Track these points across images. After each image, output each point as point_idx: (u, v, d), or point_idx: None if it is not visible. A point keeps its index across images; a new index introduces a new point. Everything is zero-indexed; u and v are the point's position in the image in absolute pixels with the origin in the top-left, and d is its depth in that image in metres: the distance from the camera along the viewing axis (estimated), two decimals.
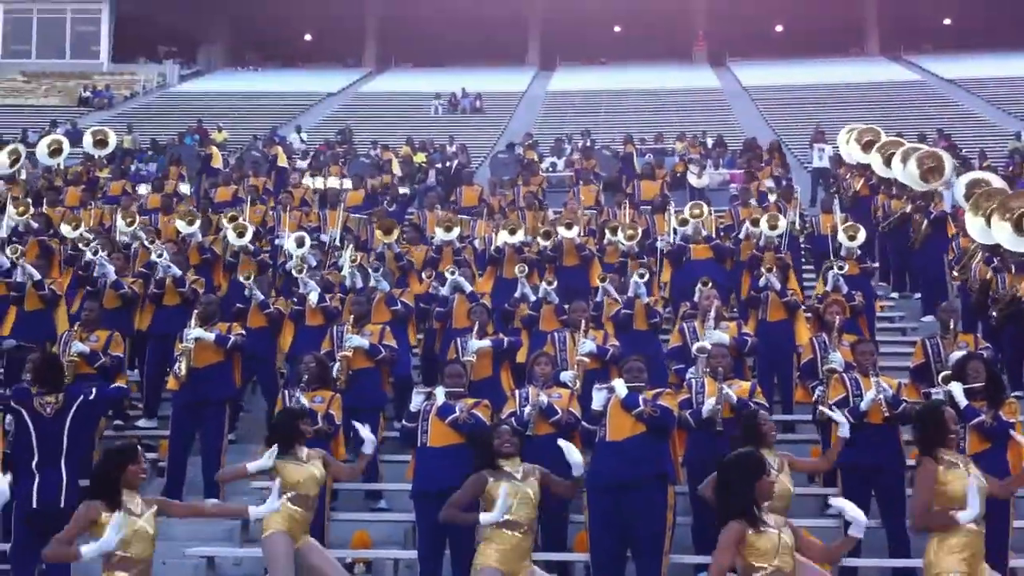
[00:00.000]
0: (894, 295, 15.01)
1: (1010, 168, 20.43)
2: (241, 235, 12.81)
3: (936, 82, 40.05)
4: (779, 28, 49.80)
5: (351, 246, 13.17)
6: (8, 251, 11.70)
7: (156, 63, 47.48)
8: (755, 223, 12.81)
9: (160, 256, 11.49)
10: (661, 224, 14.42)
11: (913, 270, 14.65)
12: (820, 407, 8.68)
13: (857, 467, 8.18)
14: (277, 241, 14.28)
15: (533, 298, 11.10)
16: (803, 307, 11.33)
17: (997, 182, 13.11)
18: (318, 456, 7.41)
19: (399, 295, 11.33)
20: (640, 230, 13.32)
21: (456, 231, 13.46)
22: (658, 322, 11.04)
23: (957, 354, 9.00)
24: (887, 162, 15.49)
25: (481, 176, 22.14)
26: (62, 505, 7.40)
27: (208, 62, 50.54)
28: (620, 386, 7.71)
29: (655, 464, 7.61)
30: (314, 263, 12.62)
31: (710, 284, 10.49)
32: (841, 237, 12.39)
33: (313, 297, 11.01)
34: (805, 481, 9.56)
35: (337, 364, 9.57)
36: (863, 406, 8.20)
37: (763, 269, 11.28)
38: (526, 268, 11.66)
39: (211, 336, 9.82)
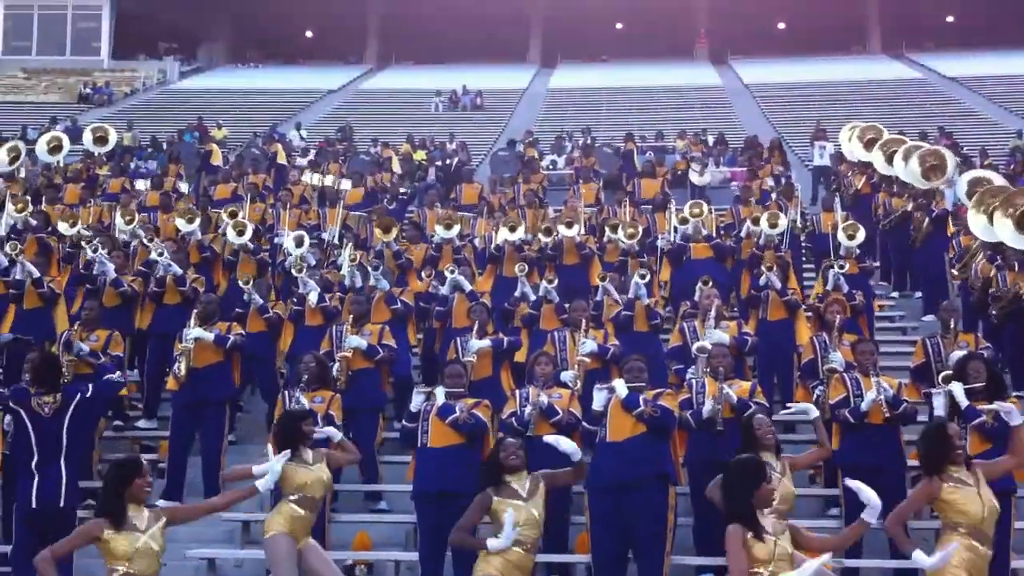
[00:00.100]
0: (894, 294, 14.99)
1: (1011, 166, 20.42)
2: (241, 233, 12.76)
3: (938, 80, 40.02)
4: (781, 26, 49.75)
5: (350, 245, 13.15)
6: (7, 247, 11.67)
7: (156, 60, 47.47)
8: (756, 222, 12.78)
9: (161, 255, 11.47)
10: (662, 223, 14.39)
11: (914, 269, 14.62)
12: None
13: (858, 467, 8.12)
14: (276, 239, 14.26)
15: (533, 297, 11.08)
16: (803, 306, 11.31)
17: (998, 180, 13.07)
18: (322, 457, 7.38)
19: (399, 294, 11.31)
20: (641, 229, 13.29)
21: (456, 229, 13.43)
22: (658, 323, 11.02)
23: (958, 354, 8.97)
24: (889, 160, 15.46)
25: (481, 174, 22.13)
26: (62, 504, 7.41)
27: (209, 59, 50.52)
28: (620, 386, 7.70)
29: (656, 464, 7.59)
30: (313, 262, 12.59)
31: (711, 283, 10.45)
32: (840, 236, 12.36)
33: (312, 297, 10.98)
34: (806, 482, 9.56)
35: (336, 364, 9.55)
36: (864, 406, 8.18)
37: (763, 268, 11.25)
38: (526, 267, 11.64)
39: (210, 336, 9.81)
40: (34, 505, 7.42)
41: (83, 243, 12.32)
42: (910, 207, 14.31)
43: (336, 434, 7.77)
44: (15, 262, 11.42)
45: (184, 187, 19.13)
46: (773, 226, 12.57)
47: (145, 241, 12.58)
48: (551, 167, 23.51)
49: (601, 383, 7.93)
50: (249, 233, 12.87)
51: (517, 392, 8.60)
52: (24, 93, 41.41)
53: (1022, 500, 8.11)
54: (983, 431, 7.80)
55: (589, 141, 25.52)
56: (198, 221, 13.34)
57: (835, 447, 8.43)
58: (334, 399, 8.73)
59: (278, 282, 13.02)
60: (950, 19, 48.37)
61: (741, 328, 9.96)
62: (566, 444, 6.93)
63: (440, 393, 8.00)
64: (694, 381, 8.44)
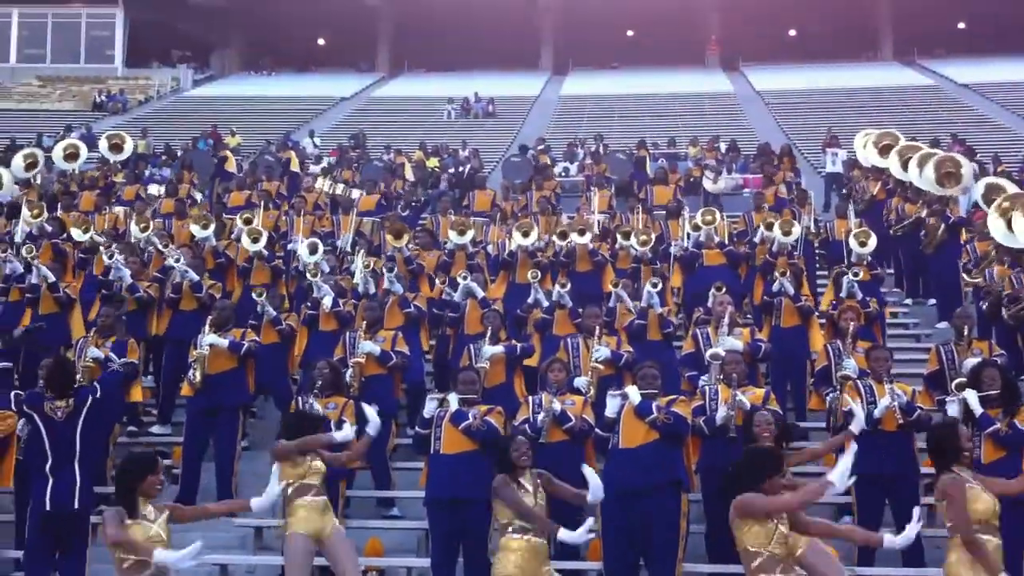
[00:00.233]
0: (908, 301, 14.94)
1: None
2: (255, 240, 12.81)
3: (950, 86, 39.95)
4: (792, 32, 49.73)
5: (362, 251, 13.18)
6: (24, 251, 11.74)
7: (170, 68, 47.73)
8: (769, 227, 12.77)
9: (177, 261, 11.51)
10: (675, 230, 14.37)
11: (928, 276, 14.57)
12: (840, 398, 8.62)
13: (871, 475, 8.13)
14: (290, 246, 14.30)
15: (546, 303, 11.08)
16: (817, 313, 11.29)
17: (1011, 188, 13.04)
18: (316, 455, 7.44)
19: (412, 299, 11.34)
20: (653, 236, 13.28)
21: (470, 234, 13.46)
22: (671, 332, 11.01)
23: (971, 361, 8.94)
24: (904, 166, 15.43)
25: (494, 181, 22.13)
26: (76, 507, 7.45)
27: (222, 67, 50.72)
28: (634, 393, 7.71)
29: (668, 471, 7.59)
30: (328, 269, 12.63)
31: (724, 290, 10.43)
32: (852, 243, 12.34)
33: (327, 301, 11.02)
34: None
35: (350, 370, 9.57)
36: (877, 413, 8.16)
37: (776, 274, 11.24)
38: (539, 273, 11.64)
39: (225, 342, 9.84)
40: (48, 508, 7.47)
41: (101, 248, 12.38)
42: (924, 213, 14.27)
43: (373, 429, 7.61)
44: (31, 267, 11.49)
45: (198, 196, 19.19)
46: (787, 234, 12.54)
47: (160, 247, 12.63)
48: (563, 174, 23.51)
49: (614, 390, 7.93)
50: (264, 240, 12.91)
51: (530, 399, 8.61)
52: (39, 101, 41.63)
53: None
54: (997, 439, 7.78)
55: (601, 148, 25.52)
56: (213, 227, 13.39)
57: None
58: (347, 405, 8.74)
59: (291, 288, 13.07)
60: (962, 25, 48.29)
61: (754, 334, 9.95)
62: (595, 481, 6.75)
63: (453, 399, 8.00)
64: (707, 388, 8.43)
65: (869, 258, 12.26)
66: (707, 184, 21.14)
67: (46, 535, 7.48)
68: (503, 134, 33.80)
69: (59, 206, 15.81)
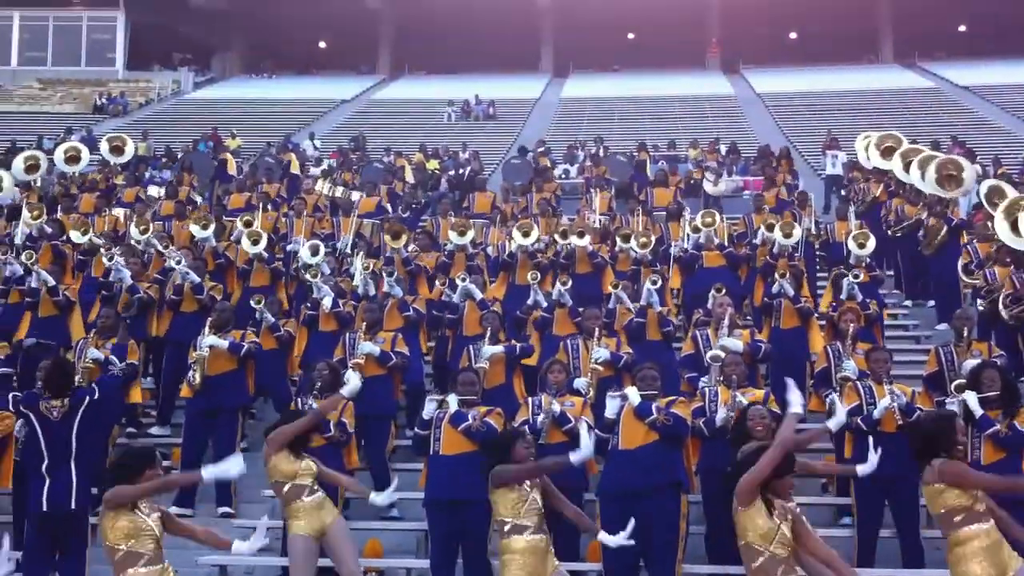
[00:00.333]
0: (907, 303, 14.94)
1: None
2: (256, 243, 12.83)
3: (950, 89, 39.97)
4: (793, 35, 49.79)
5: (362, 253, 13.18)
6: (23, 257, 11.75)
7: (171, 70, 47.80)
8: (770, 228, 12.77)
9: (178, 263, 11.51)
10: (676, 232, 14.38)
11: (928, 277, 14.55)
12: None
13: (871, 476, 8.13)
14: (290, 247, 14.30)
15: (545, 304, 11.09)
16: (816, 314, 11.29)
17: (1011, 192, 13.03)
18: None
19: (411, 302, 11.34)
20: (653, 239, 13.29)
21: (470, 235, 13.47)
22: (671, 331, 11.01)
23: (971, 362, 8.93)
24: (907, 168, 15.43)
25: (494, 183, 22.14)
26: (72, 507, 7.43)
27: (223, 69, 50.81)
28: (633, 394, 7.71)
29: (668, 472, 7.59)
30: (328, 271, 12.64)
31: (724, 291, 10.44)
32: (851, 245, 12.35)
33: (327, 302, 11.03)
34: (818, 491, 9.54)
35: (349, 371, 9.54)
36: (876, 414, 8.17)
37: (776, 275, 11.24)
38: (538, 275, 11.64)
39: (225, 343, 9.85)
40: (44, 508, 7.46)
41: (101, 249, 12.38)
42: (924, 215, 14.27)
43: (356, 385, 7.71)
44: (31, 271, 11.49)
45: (198, 198, 19.20)
46: (788, 236, 12.55)
47: (160, 249, 12.64)
48: (564, 176, 23.52)
49: (614, 391, 7.93)
50: (264, 242, 12.93)
51: (530, 400, 8.60)
52: (39, 103, 41.69)
53: None
54: (997, 440, 7.77)
55: (601, 151, 25.52)
56: (212, 227, 13.39)
57: (847, 455, 8.42)
58: (346, 406, 8.74)
59: (291, 290, 13.07)
60: (962, 28, 48.36)
61: (754, 336, 9.95)
62: (585, 440, 6.78)
63: (453, 400, 8.00)
64: (707, 389, 8.44)
65: (868, 260, 12.27)
66: (707, 186, 21.15)
67: (44, 536, 7.47)
68: (503, 136, 33.81)
69: (59, 208, 15.82)
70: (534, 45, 49.56)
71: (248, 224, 13.77)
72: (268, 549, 8.81)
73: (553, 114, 38.34)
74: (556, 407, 8.24)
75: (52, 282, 11.35)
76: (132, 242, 13.79)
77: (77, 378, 8.88)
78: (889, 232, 14.89)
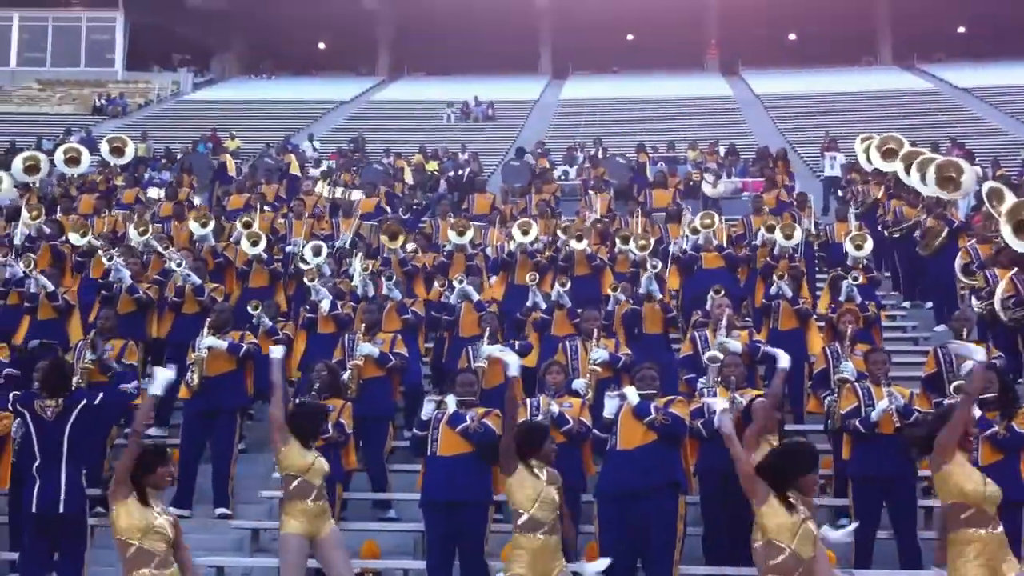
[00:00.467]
0: (906, 304, 14.94)
1: (1023, 177, 20.36)
2: (255, 244, 12.84)
3: (949, 91, 39.99)
4: (792, 37, 49.80)
5: (360, 254, 13.19)
6: (22, 263, 11.73)
7: (170, 71, 47.82)
8: (770, 230, 12.78)
9: (179, 265, 11.51)
10: (675, 233, 14.39)
11: (925, 279, 14.55)
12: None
13: (869, 478, 8.15)
14: (289, 248, 14.30)
15: (544, 306, 11.09)
16: (815, 316, 11.29)
17: (1010, 195, 13.02)
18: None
19: (410, 304, 11.35)
20: (652, 240, 13.30)
21: (469, 234, 13.47)
22: (673, 317, 11.03)
23: (969, 364, 8.93)
24: (908, 170, 15.44)
25: (493, 184, 22.15)
26: (60, 510, 7.36)
27: (222, 70, 50.82)
28: (632, 394, 7.71)
29: (666, 472, 7.59)
30: (328, 272, 12.65)
31: (722, 292, 10.44)
32: (848, 246, 12.36)
33: (325, 305, 11.03)
34: (816, 492, 9.52)
35: (348, 373, 9.57)
36: (875, 416, 8.17)
37: (775, 277, 11.25)
38: (537, 276, 11.65)
39: (224, 344, 9.84)
40: (34, 509, 7.42)
41: (100, 250, 12.37)
42: (923, 217, 14.27)
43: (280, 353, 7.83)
44: (29, 275, 11.48)
45: (197, 199, 19.20)
46: (788, 237, 12.56)
47: (160, 250, 12.65)
48: (563, 178, 23.53)
49: (612, 390, 7.94)
50: (263, 244, 12.93)
51: (528, 401, 8.60)
52: (39, 104, 41.68)
53: None
54: (995, 442, 7.76)
55: (600, 152, 25.53)
56: (212, 224, 13.40)
57: (846, 457, 8.42)
58: (345, 407, 8.75)
59: (290, 291, 13.07)
60: (961, 30, 48.38)
61: (752, 337, 9.95)
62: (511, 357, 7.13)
63: (451, 401, 7.99)
64: (706, 390, 8.43)
65: (865, 261, 12.27)
66: (706, 188, 21.14)
67: (42, 537, 7.43)
68: (503, 138, 33.82)
69: (58, 209, 15.82)
70: (533, 46, 49.58)
71: (248, 225, 13.77)
72: (266, 551, 8.86)
73: (552, 115, 38.36)
74: (555, 408, 8.24)
75: (51, 287, 11.33)
76: (132, 243, 13.81)
77: (76, 379, 8.87)
78: (887, 233, 14.89)
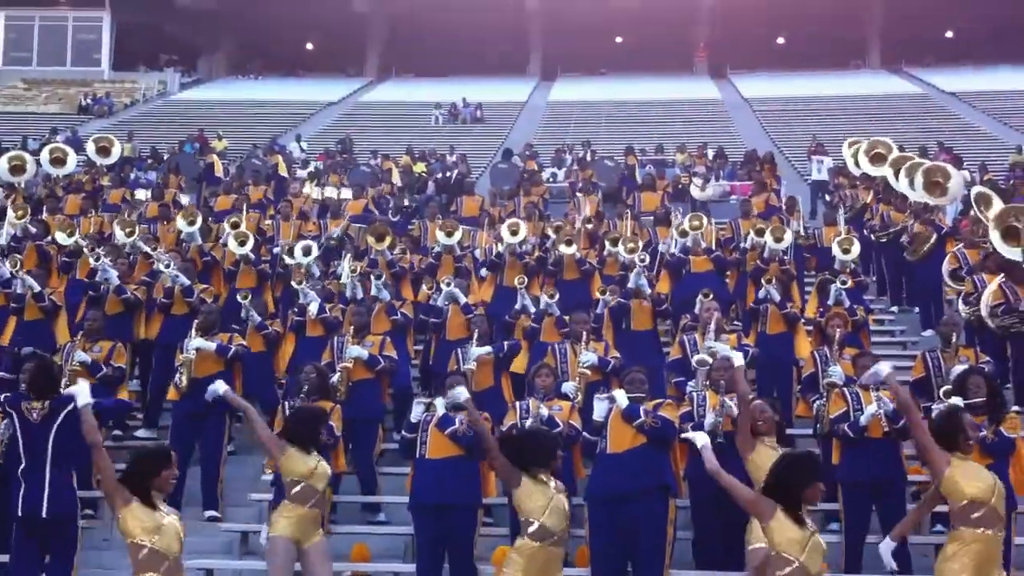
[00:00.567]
0: (894, 309, 14.97)
1: (1011, 181, 20.45)
2: (242, 244, 12.81)
3: (937, 95, 40.13)
4: (780, 40, 49.92)
5: (349, 256, 13.16)
6: (8, 264, 11.67)
7: (157, 71, 47.66)
8: (759, 233, 12.80)
9: (168, 267, 11.46)
10: (664, 236, 14.41)
11: (912, 283, 14.58)
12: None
13: (858, 482, 8.16)
14: (276, 249, 14.27)
15: (533, 309, 11.09)
16: (804, 320, 11.31)
17: (998, 200, 13.06)
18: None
19: (399, 306, 11.33)
20: (641, 243, 13.31)
21: (458, 235, 13.43)
22: (665, 310, 11.07)
23: (958, 368, 8.96)
24: (896, 174, 15.49)
25: (481, 186, 22.16)
26: (44, 514, 7.31)
27: (209, 71, 50.67)
28: (621, 396, 7.71)
29: (656, 476, 7.59)
30: (318, 273, 12.62)
31: (711, 296, 10.45)
32: (835, 250, 12.39)
33: (313, 308, 10.99)
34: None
35: (337, 375, 9.54)
36: (863, 421, 8.18)
37: (763, 281, 11.27)
38: (525, 279, 11.64)
39: (212, 345, 9.81)
40: (20, 512, 7.37)
41: (85, 249, 12.32)
42: (911, 222, 14.31)
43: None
44: (15, 276, 11.41)
45: (184, 199, 19.13)
46: (778, 240, 12.57)
47: (149, 250, 12.60)
48: (551, 180, 23.52)
49: (602, 393, 7.93)
50: (251, 243, 12.90)
51: (517, 404, 8.59)
52: (24, 104, 41.52)
53: (1022, 516, 8.09)
54: (983, 446, 7.78)
55: (589, 154, 25.53)
56: (199, 222, 13.36)
57: (835, 461, 8.43)
58: (334, 410, 8.72)
59: (277, 292, 13.03)
60: (949, 34, 48.53)
61: (741, 340, 9.96)
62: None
63: (440, 404, 7.98)
64: (695, 394, 8.43)
65: (852, 265, 12.31)
66: (694, 191, 21.13)
67: (29, 540, 7.39)
68: (491, 140, 33.80)
69: (44, 209, 15.74)
70: (522, 48, 49.56)
71: (235, 226, 13.73)
72: (255, 554, 8.83)
73: (541, 117, 38.37)
74: (544, 411, 8.23)
75: (37, 288, 11.26)
76: (118, 243, 13.75)
77: (64, 381, 8.81)
78: (873, 237, 14.93)
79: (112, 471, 6.07)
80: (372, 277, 11.58)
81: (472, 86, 40.33)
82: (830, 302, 11.02)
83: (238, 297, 11.13)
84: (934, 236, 13.74)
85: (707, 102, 40.18)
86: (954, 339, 9.75)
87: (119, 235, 13.52)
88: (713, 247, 13.12)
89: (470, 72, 44.45)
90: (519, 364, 10.24)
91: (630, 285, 11.00)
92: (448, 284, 11.28)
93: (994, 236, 11.62)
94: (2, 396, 7.92)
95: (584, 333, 9.76)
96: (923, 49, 47.21)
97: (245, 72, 50.41)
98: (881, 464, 8.17)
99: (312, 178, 22.04)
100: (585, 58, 47.70)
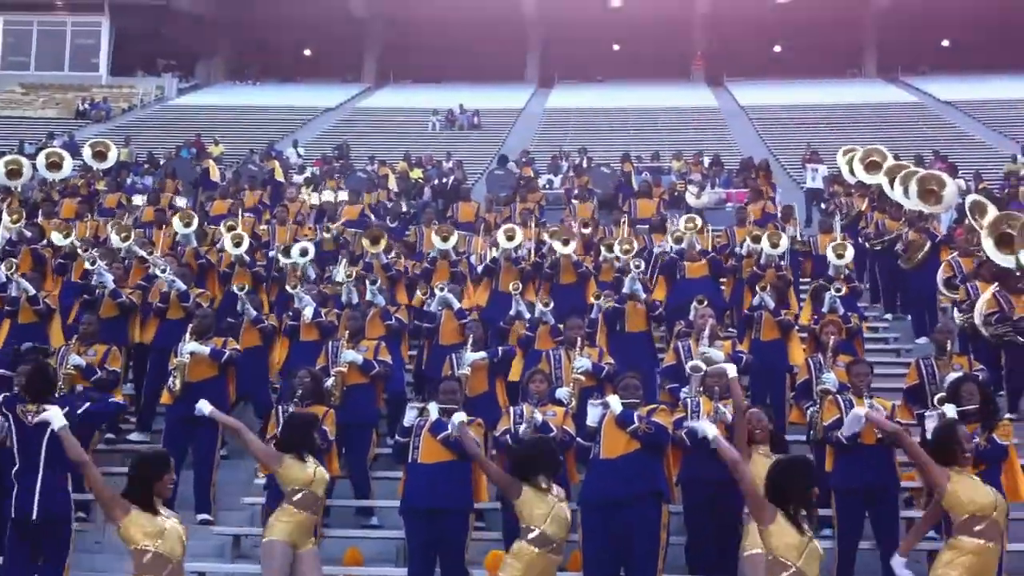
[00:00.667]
0: (888, 316, 14.99)
1: (1006, 190, 20.49)
2: (238, 245, 12.82)
3: (933, 104, 40.19)
4: (777, 48, 49.98)
5: (345, 260, 13.17)
6: (3, 267, 11.67)
7: (155, 76, 47.58)
8: (756, 240, 12.82)
9: (164, 272, 11.46)
10: (659, 243, 14.41)
11: (906, 291, 14.60)
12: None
13: (851, 489, 8.17)
14: (272, 252, 14.27)
15: (528, 315, 11.09)
16: (797, 327, 11.33)
17: (992, 208, 13.10)
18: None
19: (394, 311, 11.34)
20: (636, 244, 13.34)
21: (453, 239, 13.43)
22: (659, 315, 11.09)
23: (952, 376, 8.98)
24: (892, 183, 15.53)
25: (478, 193, 22.18)
26: (34, 517, 7.31)
27: (207, 76, 50.65)
28: (615, 402, 7.71)
29: (649, 481, 7.60)
30: (313, 276, 12.62)
31: (705, 303, 10.46)
32: (829, 254, 12.42)
33: (308, 312, 10.99)
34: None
35: (332, 379, 9.54)
36: (848, 423, 8.18)
37: (757, 288, 11.29)
38: (520, 285, 11.65)
39: (206, 349, 9.81)
40: (13, 514, 7.37)
41: (80, 251, 12.32)
42: (905, 230, 14.34)
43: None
44: (11, 279, 11.42)
45: (182, 202, 19.15)
46: (774, 246, 12.60)
47: (144, 255, 12.60)
48: (547, 187, 23.54)
49: (595, 398, 7.94)
50: (246, 244, 12.92)
51: (511, 410, 8.59)
52: (22, 108, 41.46)
53: (1013, 523, 8.09)
54: (976, 453, 7.79)
55: (580, 161, 25.56)
56: (195, 223, 13.36)
57: (828, 468, 8.44)
58: (328, 414, 8.72)
59: (272, 296, 13.04)
60: (945, 43, 48.63)
61: (735, 347, 9.97)
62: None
63: (434, 409, 7.98)
64: (689, 400, 8.44)
65: (846, 270, 12.33)
66: (690, 198, 21.18)
67: (22, 542, 7.38)
68: (488, 146, 33.82)
69: (40, 213, 15.74)
70: (519, 55, 49.61)
71: (231, 229, 13.75)
72: (247, 557, 8.83)
73: (537, 124, 38.38)
74: (538, 417, 8.23)
75: (32, 291, 11.26)
76: (113, 247, 13.75)
77: (59, 384, 8.81)
78: (868, 245, 14.95)
79: (103, 484, 6.08)
80: (367, 282, 11.58)
81: (469, 93, 40.35)
82: (824, 309, 11.03)
83: (234, 288, 11.13)
84: (928, 244, 13.77)
85: (703, 110, 40.24)
86: (948, 347, 9.77)
87: (115, 240, 13.54)
88: (709, 249, 13.14)
89: (467, 79, 44.47)
90: (514, 371, 10.23)
91: (625, 290, 11.02)
92: (442, 289, 11.29)
93: (987, 244, 11.64)
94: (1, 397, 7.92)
95: (578, 339, 9.77)
96: (919, 58, 47.30)
97: (243, 78, 50.40)
98: (874, 471, 8.18)
99: (309, 184, 22.05)
100: (582, 65, 47.75)
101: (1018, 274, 11.27)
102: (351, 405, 9.56)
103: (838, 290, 11.17)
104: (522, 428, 8.19)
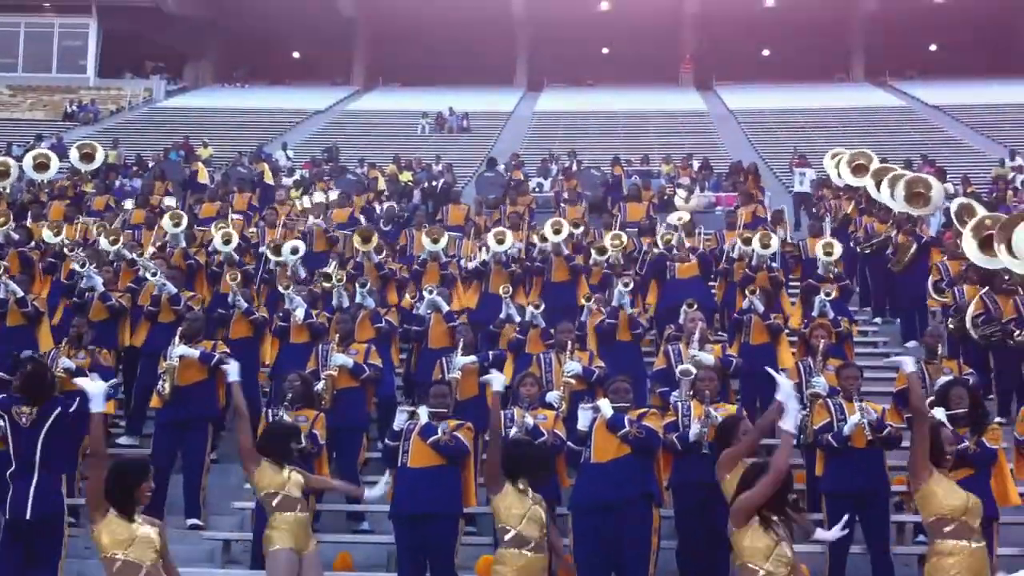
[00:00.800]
0: (877, 320, 15.02)
1: (993, 194, 20.57)
2: (227, 242, 12.80)
3: (921, 108, 40.35)
4: (765, 52, 50.14)
5: (335, 263, 13.14)
6: None
7: (143, 78, 47.49)
8: (747, 242, 12.84)
9: (154, 275, 11.41)
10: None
11: (896, 295, 14.64)
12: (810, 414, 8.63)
13: (841, 493, 8.17)
14: (261, 249, 14.24)
15: (518, 319, 11.08)
16: (788, 331, 11.34)
17: (980, 210, 13.14)
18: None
19: (384, 313, 11.32)
20: (625, 239, 13.37)
21: (443, 242, 13.42)
22: (640, 333, 11.06)
23: (942, 380, 9.00)
24: (878, 186, 15.58)
25: (467, 196, 22.15)
26: (28, 516, 7.27)
27: (195, 78, 50.54)
28: (606, 406, 7.71)
29: (640, 485, 7.60)
30: (303, 275, 12.60)
31: (695, 306, 10.47)
32: (818, 252, 12.46)
33: (299, 313, 10.97)
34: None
35: (322, 383, 9.52)
36: (847, 431, 8.18)
37: (747, 291, 11.30)
38: (510, 289, 11.64)
39: (195, 353, 9.75)
40: (7, 515, 7.35)
41: (66, 251, 12.28)
42: (894, 233, 14.38)
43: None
44: None
45: (172, 202, 19.09)
46: (766, 247, 12.61)
47: (134, 257, 12.56)
48: (537, 190, 23.53)
49: (586, 402, 7.94)
50: (235, 242, 12.89)
51: (502, 413, 8.57)
52: (9, 110, 41.34)
53: (1004, 527, 8.12)
54: (966, 456, 7.82)
55: (575, 165, 25.57)
56: (184, 223, 13.33)
57: (819, 472, 8.44)
58: (318, 418, 8.69)
59: (262, 297, 13.00)
60: (933, 48, 48.83)
61: (725, 350, 9.98)
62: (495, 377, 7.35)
63: (423, 413, 7.96)
64: (679, 404, 8.43)
65: (835, 269, 12.36)
66: (679, 202, 21.17)
67: (15, 544, 7.34)
68: (477, 149, 33.81)
69: (28, 215, 15.67)
70: (509, 59, 49.63)
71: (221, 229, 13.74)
72: (237, 562, 8.80)
73: (527, 128, 38.41)
74: (529, 421, 8.22)
75: (20, 293, 11.21)
76: (101, 249, 13.70)
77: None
78: (858, 249, 14.99)
79: (103, 484, 6.04)
80: (357, 284, 11.56)
81: (458, 96, 40.36)
82: (814, 313, 11.05)
83: (226, 277, 11.09)
84: (914, 246, 13.81)
85: (692, 113, 40.33)
86: (939, 351, 9.80)
87: (104, 243, 13.50)
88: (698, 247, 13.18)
89: (457, 82, 44.49)
90: (504, 370, 10.21)
91: (614, 303, 10.99)
92: (431, 292, 11.28)
93: (970, 246, 11.65)
94: None
95: (569, 342, 9.76)
96: (907, 62, 47.50)
97: (231, 80, 50.34)
98: (865, 475, 8.18)
99: (298, 187, 22.00)
100: (571, 69, 47.81)
101: (1005, 276, 11.31)
102: (341, 409, 9.53)
103: (828, 294, 11.18)
104: (512, 431, 8.17)
